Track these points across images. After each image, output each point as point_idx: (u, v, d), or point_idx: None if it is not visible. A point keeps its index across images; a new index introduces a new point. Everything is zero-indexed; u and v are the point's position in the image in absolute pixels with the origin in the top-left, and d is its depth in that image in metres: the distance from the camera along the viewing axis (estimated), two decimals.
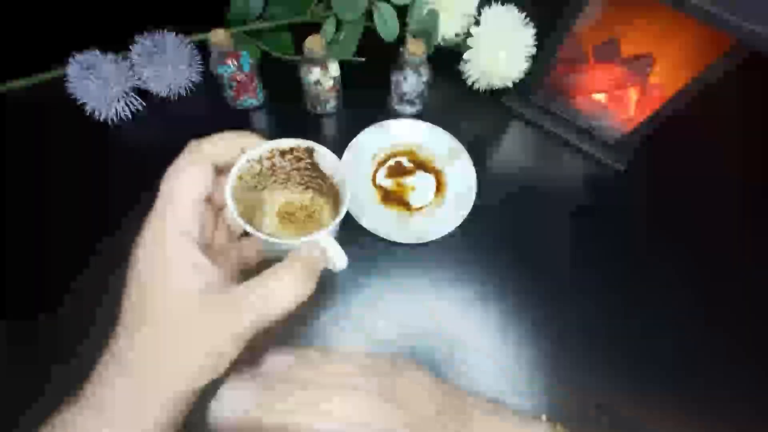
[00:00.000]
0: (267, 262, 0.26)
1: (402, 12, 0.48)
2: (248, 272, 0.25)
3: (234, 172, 0.27)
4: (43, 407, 0.22)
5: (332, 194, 0.32)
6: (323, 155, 0.30)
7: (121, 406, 0.21)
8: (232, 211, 0.26)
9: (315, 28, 0.47)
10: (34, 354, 0.35)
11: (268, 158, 0.30)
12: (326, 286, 0.40)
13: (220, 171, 0.27)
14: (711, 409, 0.36)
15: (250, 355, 0.24)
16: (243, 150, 0.28)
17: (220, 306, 0.22)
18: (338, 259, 0.28)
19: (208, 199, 0.26)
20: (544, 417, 0.29)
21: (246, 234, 0.26)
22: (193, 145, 0.26)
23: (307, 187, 0.34)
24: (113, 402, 0.21)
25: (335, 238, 0.28)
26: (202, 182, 0.25)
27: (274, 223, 0.33)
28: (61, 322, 0.36)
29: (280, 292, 0.23)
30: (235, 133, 0.28)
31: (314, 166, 0.31)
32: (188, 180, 0.25)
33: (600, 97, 0.50)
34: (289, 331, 0.37)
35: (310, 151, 0.30)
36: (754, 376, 0.39)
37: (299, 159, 0.31)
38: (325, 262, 0.27)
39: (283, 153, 0.30)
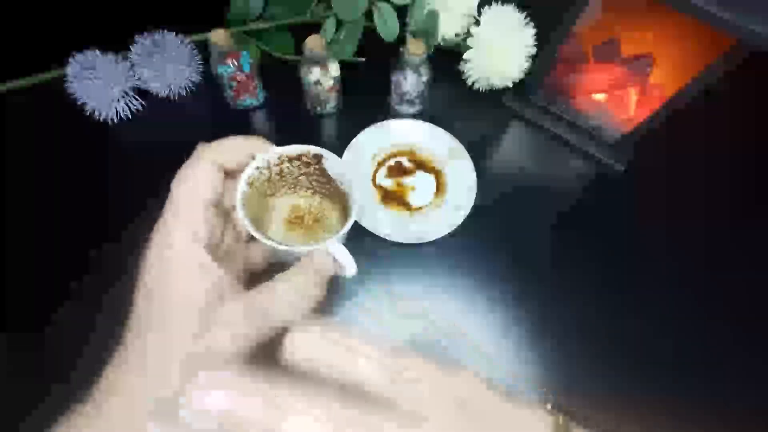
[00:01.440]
0: (278, 266, 0.26)
1: (402, 12, 0.48)
2: (256, 277, 0.25)
3: (243, 180, 0.27)
4: (42, 414, 0.21)
5: (340, 199, 0.32)
6: (331, 161, 0.30)
7: (123, 411, 0.21)
8: (242, 220, 0.26)
9: (315, 28, 0.47)
10: (35, 362, 0.35)
11: (277, 165, 0.30)
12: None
13: (229, 174, 0.27)
14: (711, 409, 0.36)
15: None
16: (252, 156, 0.28)
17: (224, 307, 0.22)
18: (348, 265, 0.28)
19: (216, 202, 0.26)
20: (548, 406, 0.28)
21: (255, 237, 0.26)
22: (200, 148, 0.26)
23: (315, 192, 0.34)
24: (116, 407, 0.21)
25: (344, 245, 0.28)
26: (205, 184, 0.25)
27: (282, 227, 0.32)
28: (61, 329, 0.36)
29: (287, 297, 0.23)
30: (243, 137, 0.28)
31: (322, 172, 0.31)
32: (192, 182, 0.25)
33: (600, 97, 0.50)
34: None
35: (318, 157, 0.30)
36: (754, 376, 0.39)
37: (308, 165, 0.31)
38: (333, 269, 0.27)
39: (291, 159, 0.30)
